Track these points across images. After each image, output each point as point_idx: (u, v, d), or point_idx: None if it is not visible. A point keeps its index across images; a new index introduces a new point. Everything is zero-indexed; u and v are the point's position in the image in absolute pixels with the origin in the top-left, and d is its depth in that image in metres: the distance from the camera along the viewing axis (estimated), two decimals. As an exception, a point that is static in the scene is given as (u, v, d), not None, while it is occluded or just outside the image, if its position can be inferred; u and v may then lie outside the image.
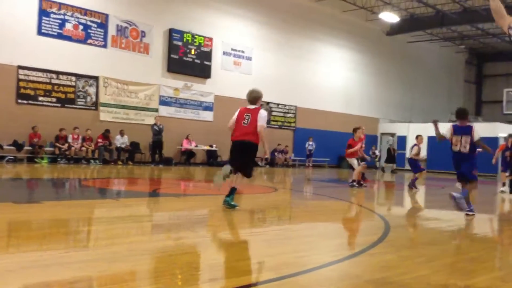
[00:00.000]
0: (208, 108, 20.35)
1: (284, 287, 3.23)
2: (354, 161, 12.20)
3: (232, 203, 6.39)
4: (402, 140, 25.25)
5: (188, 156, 19.28)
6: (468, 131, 6.99)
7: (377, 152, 23.88)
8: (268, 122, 22.77)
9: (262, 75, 21.92)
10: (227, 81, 20.80)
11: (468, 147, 7.00)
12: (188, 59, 19.53)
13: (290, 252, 4.41)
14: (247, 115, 6.47)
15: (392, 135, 24.66)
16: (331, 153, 23.47)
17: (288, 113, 23.41)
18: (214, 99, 20.43)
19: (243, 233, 5.24)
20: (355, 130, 12.09)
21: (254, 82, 21.89)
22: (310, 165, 22.37)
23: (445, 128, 7.18)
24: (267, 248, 4.37)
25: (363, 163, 12.56)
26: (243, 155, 6.46)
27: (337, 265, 3.82)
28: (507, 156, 12.95)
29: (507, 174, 12.90)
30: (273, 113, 22.94)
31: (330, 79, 25.13)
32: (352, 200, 9.72)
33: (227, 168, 6.52)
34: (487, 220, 7.09)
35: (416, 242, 5.09)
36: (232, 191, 6.40)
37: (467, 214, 6.85)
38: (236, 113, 6.57)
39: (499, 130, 22.29)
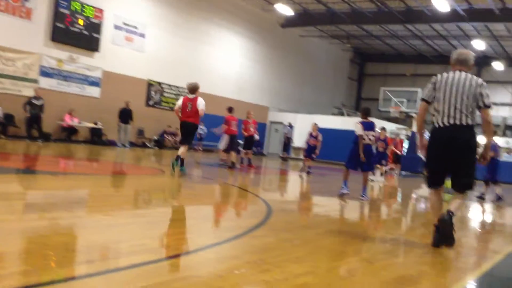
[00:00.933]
0: (94, 83, 19.23)
1: (164, 269, 3.20)
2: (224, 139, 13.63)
3: (183, 168, 8.94)
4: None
5: (69, 133, 18.10)
6: (372, 126, 8.45)
7: (256, 137, 24.34)
8: (160, 103, 22.31)
9: (156, 54, 21.31)
10: (117, 56, 19.83)
11: (373, 139, 8.45)
12: (75, 29, 18.20)
13: (172, 234, 4.39)
14: (189, 104, 8.90)
15: (290, 125, 25.29)
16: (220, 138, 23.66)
17: (180, 95, 23.07)
18: (102, 74, 19.37)
19: (125, 214, 5.08)
20: (230, 109, 13.80)
21: (146, 60, 21.20)
22: (200, 149, 22.36)
23: (357, 127, 8.25)
24: (149, 230, 4.29)
25: (249, 150, 13.74)
26: (187, 131, 9.06)
27: (218, 247, 3.88)
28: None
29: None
30: (165, 95, 22.51)
31: (224, 64, 25.22)
32: (238, 184, 9.94)
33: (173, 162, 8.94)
34: (358, 207, 7.70)
35: (294, 226, 5.36)
36: (182, 161, 8.89)
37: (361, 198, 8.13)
38: (180, 102, 9.02)
39: (376, 125, 24.24)
